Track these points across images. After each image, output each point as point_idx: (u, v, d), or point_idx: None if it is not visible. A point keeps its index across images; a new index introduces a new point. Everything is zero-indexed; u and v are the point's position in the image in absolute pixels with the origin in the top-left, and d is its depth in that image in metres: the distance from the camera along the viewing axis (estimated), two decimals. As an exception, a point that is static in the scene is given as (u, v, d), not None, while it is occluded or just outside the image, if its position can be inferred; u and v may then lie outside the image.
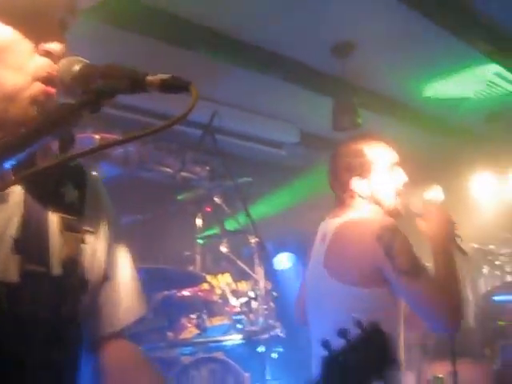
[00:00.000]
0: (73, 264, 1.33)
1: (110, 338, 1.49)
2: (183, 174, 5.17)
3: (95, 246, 1.42)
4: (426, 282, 2.51)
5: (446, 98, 6.25)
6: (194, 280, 4.29)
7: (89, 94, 1.11)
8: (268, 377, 4.27)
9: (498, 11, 4.69)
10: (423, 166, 7.00)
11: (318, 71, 5.56)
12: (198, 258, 4.83)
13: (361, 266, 2.61)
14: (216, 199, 4.80)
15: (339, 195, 2.85)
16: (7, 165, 1.15)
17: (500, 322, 5.60)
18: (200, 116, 5.32)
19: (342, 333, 1.40)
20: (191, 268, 4.64)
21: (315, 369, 2.85)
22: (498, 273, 6.71)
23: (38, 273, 1.25)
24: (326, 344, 1.38)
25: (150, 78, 1.10)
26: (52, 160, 1.10)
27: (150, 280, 3.82)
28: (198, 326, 4.19)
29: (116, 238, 1.50)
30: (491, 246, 6.85)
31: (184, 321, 4.28)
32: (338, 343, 1.99)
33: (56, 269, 1.29)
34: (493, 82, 5.94)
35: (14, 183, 1.22)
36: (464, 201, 7.00)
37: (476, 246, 5.52)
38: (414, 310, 2.63)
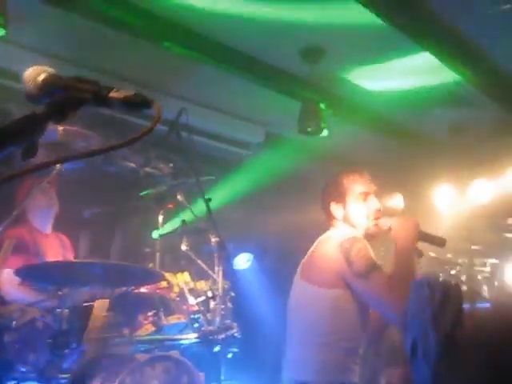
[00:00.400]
0: None
1: None
2: (147, 169, 5.15)
3: None
4: (376, 280, 2.97)
5: (412, 108, 6.30)
6: (153, 278, 4.25)
7: (53, 106, 1.11)
8: (223, 377, 4.26)
9: (465, 25, 4.76)
10: (386, 174, 7.08)
11: (288, 74, 5.56)
12: (157, 255, 4.79)
13: (328, 271, 3.12)
14: (178, 197, 4.78)
15: (326, 218, 3.41)
16: None
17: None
18: (167, 112, 5.32)
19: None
20: (150, 265, 4.60)
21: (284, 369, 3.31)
22: (453, 282, 6.80)
23: None
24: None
25: (113, 93, 1.10)
26: (16, 170, 1.09)
27: (107, 276, 3.80)
28: (154, 324, 4.16)
29: None
30: (449, 255, 6.96)
31: (141, 318, 4.24)
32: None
33: None
34: (458, 95, 6.00)
35: None
36: (425, 210, 7.09)
37: (433, 254, 5.58)
38: (371, 306, 3.14)
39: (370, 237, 3.29)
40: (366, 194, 3.32)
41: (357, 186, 3.33)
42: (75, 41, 4.86)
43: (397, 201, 7.39)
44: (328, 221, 3.41)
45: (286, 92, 5.77)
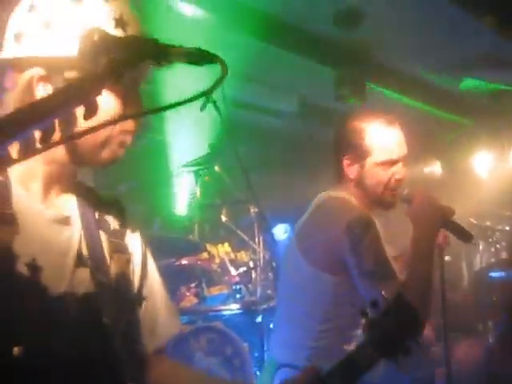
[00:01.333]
0: (126, 281, 1.48)
1: (155, 355, 1.59)
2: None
3: (137, 266, 1.56)
4: (389, 290, 2.23)
5: (451, 73, 6.17)
6: (194, 248, 4.26)
7: (112, 64, 1.07)
8: (265, 347, 4.26)
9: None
10: (425, 140, 6.99)
11: (322, 40, 5.46)
12: (196, 226, 4.79)
13: (329, 252, 2.54)
14: (216, 168, 4.76)
15: (334, 169, 2.73)
16: (33, 133, 1.12)
17: (494, 298, 5.62)
18: (202, 84, 5.27)
19: (374, 303, 1.60)
20: (190, 236, 4.60)
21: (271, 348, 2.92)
22: (492, 249, 6.73)
23: (103, 284, 1.39)
24: (374, 303, 1.60)
25: (174, 49, 1.06)
26: (81, 130, 1.08)
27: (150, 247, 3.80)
28: (197, 295, 4.18)
29: (149, 258, 1.64)
30: (488, 223, 6.86)
31: (183, 289, 4.26)
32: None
33: (112, 285, 1.43)
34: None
35: (44, 150, 1.25)
36: (464, 176, 7.00)
37: (474, 221, 5.50)
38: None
39: (382, 207, 2.72)
40: (392, 163, 2.64)
41: (384, 149, 2.62)
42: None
43: (434, 167, 7.31)
44: (337, 175, 2.72)
45: (319, 59, 5.66)
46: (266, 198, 6.17)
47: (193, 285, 4.23)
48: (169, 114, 4.97)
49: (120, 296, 1.43)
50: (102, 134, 1.36)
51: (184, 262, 4.37)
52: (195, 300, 4.17)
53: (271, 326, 4.39)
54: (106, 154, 1.40)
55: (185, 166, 4.91)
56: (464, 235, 2.58)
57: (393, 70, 6.06)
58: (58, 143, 1.23)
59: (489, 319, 5.35)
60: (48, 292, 1.29)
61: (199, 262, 4.37)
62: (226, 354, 3.87)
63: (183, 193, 5.67)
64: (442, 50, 5.64)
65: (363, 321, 1.62)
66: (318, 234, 2.62)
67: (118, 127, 1.39)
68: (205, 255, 4.41)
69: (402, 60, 5.89)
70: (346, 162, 2.66)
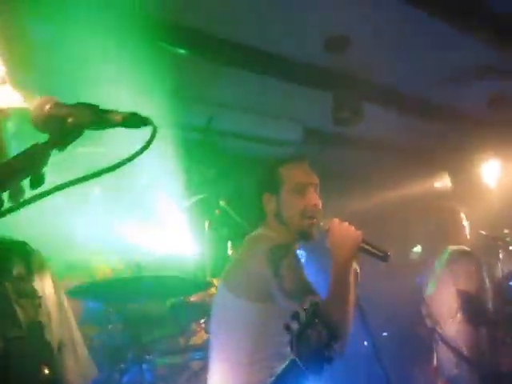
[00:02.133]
0: (37, 328, 1.42)
1: None
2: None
3: (52, 308, 1.51)
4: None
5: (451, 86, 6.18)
6: (200, 286, 4.30)
7: (56, 136, 1.15)
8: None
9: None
10: (432, 156, 6.99)
11: (315, 67, 5.52)
12: (209, 262, 4.85)
13: (254, 281, 2.68)
14: (221, 202, 4.82)
15: (256, 211, 2.96)
16: None
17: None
18: (199, 119, 5.37)
19: (295, 316, 1.67)
20: (198, 274, 4.64)
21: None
22: (513, 258, 6.67)
23: (18, 337, 1.34)
24: (286, 327, 1.67)
25: (112, 115, 1.14)
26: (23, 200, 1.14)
27: (156, 288, 3.85)
28: (207, 331, 4.20)
29: (63, 300, 1.60)
30: (506, 231, 6.80)
31: (194, 326, 4.30)
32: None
33: (26, 333, 1.37)
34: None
35: None
36: (474, 187, 6.97)
37: (484, 232, 5.47)
38: None
39: (302, 238, 2.88)
40: (304, 186, 2.85)
41: (295, 176, 2.86)
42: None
43: (444, 181, 7.30)
44: (258, 216, 2.95)
45: (316, 85, 5.72)
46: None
47: (202, 321, 4.27)
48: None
49: (36, 344, 1.39)
50: None
51: (193, 299, 4.41)
52: (206, 336, 4.20)
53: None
54: None
55: (194, 200, 4.97)
56: (380, 253, 2.69)
57: (387, 89, 6.09)
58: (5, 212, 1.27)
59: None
60: None
61: (207, 299, 4.40)
62: None
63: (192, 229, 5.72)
64: (430, 67, 5.68)
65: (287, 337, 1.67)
66: (242, 269, 2.79)
67: None
68: (213, 290, 4.44)
69: (394, 79, 5.93)
70: (264, 198, 2.88)
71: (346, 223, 2.68)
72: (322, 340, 1.63)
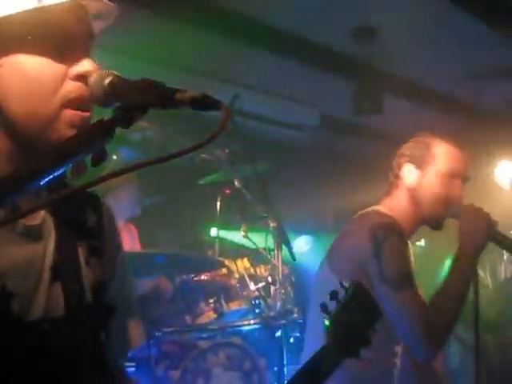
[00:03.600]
0: (101, 290, 1.38)
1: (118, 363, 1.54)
2: (203, 156, 5.15)
3: (114, 271, 1.47)
4: (410, 298, 2.34)
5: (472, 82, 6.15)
6: (212, 265, 4.30)
7: (120, 110, 1.11)
8: (285, 361, 4.27)
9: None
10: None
11: (341, 55, 5.50)
12: (216, 242, 4.83)
13: (350, 259, 2.51)
14: (236, 183, 4.79)
15: (389, 182, 2.70)
16: (43, 184, 1.15)
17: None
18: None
19: (333, 295, 1.59)
20: (210, 252, 4.64)
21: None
22: (518, 259, 6.67)
23: (78, 297, 1.31)
24: (323, 308, 1.58)
25: (179, 95, 1.09)
26: (84, 182, 1.10)
27: (169, 265, 3.84)
28: (215, 311, 4.21)
29: (124, 263, 1.55)
30: (512, 231, 6.79)
31: (202, 305, 4.30)
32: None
33: (88, 295, 1.34)
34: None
35: (50, 201, 1.28)
36: (487, 187, 6.93)
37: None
38: (391, 321, 2.36)
39: (430, 226, 2.65)
40: (453, 176, 2.59)
41: (450, 161, 2.59)
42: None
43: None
44: (389, 187, 2.68)
45: (339, 73, 5.70)
46: (288, 211, 6.20)
47: (211, 300, 4.26)
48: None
49: (95, 306, 1.35)
50: (44, 111, 1.23)
51: (203, 277, 4.41)
52: (214, 315, 4.20)
53: (291, 340, 4.41)
54: (52, 135, 1.24)
55: (205, 180, 4.95)
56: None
57: (409, 82, 6.06)
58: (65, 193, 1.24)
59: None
60: (22, 322, 1.22)
61: (218, 278, 4.40)
62: (244, 370, 3.88)
63: (205, 207, 5.71)
64: (455, 62, 5.64)
65: (327, 321, 1.57)
66: (345, 244, 2.60)
67: (59, 101, 1.24)
68: (224, 271, 4.44)
69: (418, 72, 5.89)
70: (406, 167, 2.62)
71: (480, 208, 2.50)
72: (361, 321, 1.55)
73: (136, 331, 1.56)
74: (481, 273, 5.56)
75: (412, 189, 2.60)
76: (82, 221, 1.41)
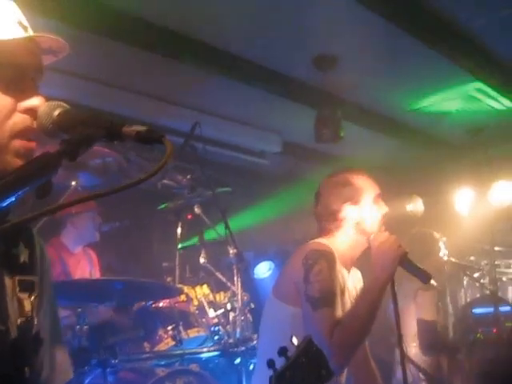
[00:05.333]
0: (27, 324, 1.35)
1: None
2: (164, 181, 5.15)
3: (42, 304, 1.45)
4: (322, 317, 2.57)
5: (429, 112, 6.27)
6: (171, 292, 4.27)
7: (67, 145, 1.13)
8: (244, 389, 4.26)
9: (480, 28, 4.71)
10: (405, 179, 7.04)
11: (301, 83, 5.56)
12: (177, 268, 4.80)
13: (289, 283, 2.76)
14: (196, 209, 4.79)
15: (324, 224, 2.93)
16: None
17: (478, 335, 5.63)
18: (183, 124, 5.34)
19: (282, 351, 1.53)
20: (169, 279, 4.60)
21: None
22: (477, 284, 6.76)
23: (2, 339, 1.29)
24: (271, 363, 1.50)
25: (125, 129, 1.12)
26: (33, 212, 1.10)
27: (127, 291, 3.81)
28: (174, 338, 4.17)
29: (51, 295, 1.53)
30: (472, 258, 6.89)
31: (161, 332, 4.26)
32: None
33: (13, 331, 1.32)
34: (475, 97, 5.97)
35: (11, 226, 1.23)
36: (446, 213, 7.02)
37: (453, 259, 5.51)
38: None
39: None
40: (378, 197, 2.90)
41: (369, 187, 2.91)
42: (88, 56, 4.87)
43: (416, 205, 7.33)
44: (328, 228, 2.91)
45: (300, 100, 5.76)
46: (251, 236, 6.21)
47: (170, 327, 4.22)
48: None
49: (21, 342, 1.33)
50: None
51: (161, 304, 4.39)
52: (172, 343, 4.16)
53: (250, 367, 4.39)
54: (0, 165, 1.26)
55: (167, 205, 4.94)
56: (422, 275, 2.73)
57: (368, 110, 6.15)
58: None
59: (473, 355, 5.35)
60: None
61: (177, 305, 4.36)
62: (202, 398, 3.87)
63: (165, 233, 5.68)
64: (416, 90, 5.75)
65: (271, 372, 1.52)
66: (285, 270, 2.89)
67: (7, 132, 1.25)
68: (182, 297, 4.41)
69: (377, 99, 5.98)
70: (346, 208, 2.86)
71: (392, 236, 2.74)
72: (309, 380, 1.52)
73: (65, 363, 1.56)
74: (443, 301, 5.63)
75: (357, 223, 2.86)
76: (14, 255, 1.38)
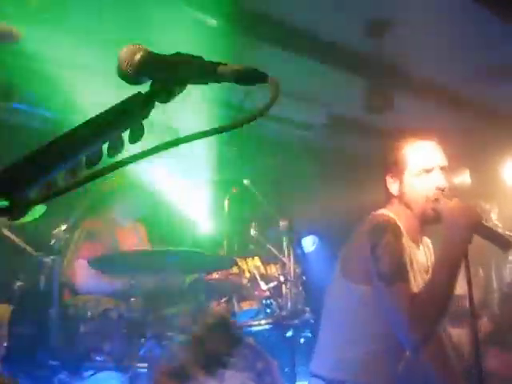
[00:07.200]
0: None
1: None
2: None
3: None
4: (399, 291, 2.48)
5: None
6: (224, 264, 4.23)
7: (160, 84, 1.04)
8: (296, 362, 4.22)
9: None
10: (454, 149, 6.90)
11: (353, 51, 5.43)
12: (225, 241, 4.78)
13: (355, 259, 2.69)
14: (245, 181, 4.74)
15: (383, 191, 2.87)
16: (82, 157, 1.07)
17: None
18: (234, 96, 5.29)
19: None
20: (220, 251, 4.57)
21: None
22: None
23: None
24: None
25: (221, 68, 1.02)
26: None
27: (180, 263, 3.77)
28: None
29: None
30: (516, 233, 6.74)
31: (214, 305, 4.23)
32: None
33: None
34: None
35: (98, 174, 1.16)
36: (494, 186, 6.88)
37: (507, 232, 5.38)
38: (387, 316, 2.56)
39: (428, 223, 2.76)
40: (427, 172, 2.72)
41: (418, 159, 2.74)
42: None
43: (463, 177, 7.21)
44: (385, 197, 2.85)
45: (348, 70, 5.64)
46: (296, 210, 6.14)
47: (223, 300, 4.20)
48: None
49: None
50: None
51: (214, 277, 4.34)
52: (226, 315, 4.13)
53: (301, 341, 4.35)
54: None
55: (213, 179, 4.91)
56: (502, 242, 2.57)
57: (421, 81, 6.01)
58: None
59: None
60: None
61: (230, 277, 4.33)
62: (257, 370, 3.82)
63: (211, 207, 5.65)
64: (469, 60, 5.59)
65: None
66: (351, 246, 2.77)
67: None
68: (235, 270, 4.37)
69: (429, 70, 5.84)
70: (388, 180, 2.80)
71: (463, 203, 2.58)
72: (219, 347, 1.58)
73: None
74: (487, 276, 5.53)
75: (399, 196, 2.78)
76: None
